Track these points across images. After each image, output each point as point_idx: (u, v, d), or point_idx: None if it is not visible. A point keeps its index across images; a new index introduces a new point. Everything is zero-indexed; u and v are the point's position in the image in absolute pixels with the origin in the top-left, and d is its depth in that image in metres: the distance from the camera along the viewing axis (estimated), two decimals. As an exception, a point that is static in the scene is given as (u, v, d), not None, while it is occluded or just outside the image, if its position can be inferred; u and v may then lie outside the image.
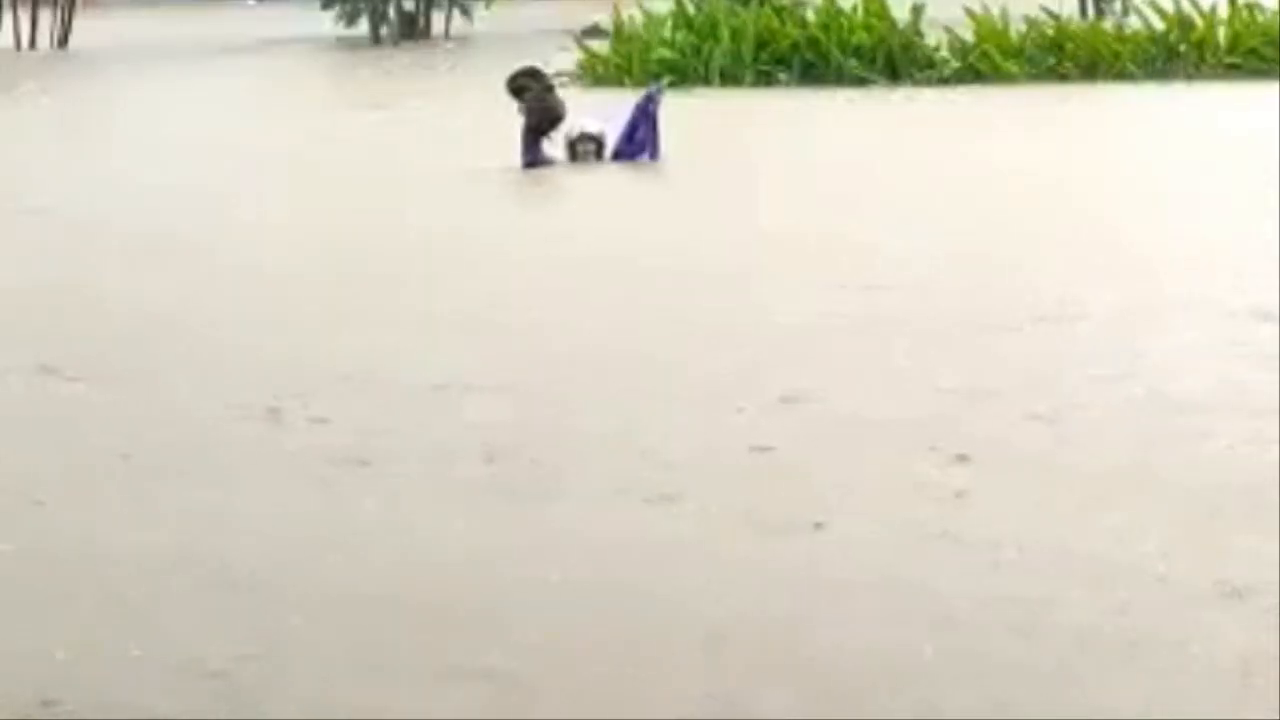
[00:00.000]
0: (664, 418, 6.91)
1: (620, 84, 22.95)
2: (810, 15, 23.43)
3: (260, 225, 12.30)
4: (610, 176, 14.46)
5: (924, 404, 7.08)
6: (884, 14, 23.13)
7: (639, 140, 14.84)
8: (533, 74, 15.21)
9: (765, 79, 22.80)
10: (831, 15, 23.20)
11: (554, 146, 14.82)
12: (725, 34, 23.05)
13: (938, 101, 20.86)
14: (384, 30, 33.25)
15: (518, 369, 7.78)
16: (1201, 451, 6.38)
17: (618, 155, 14.83)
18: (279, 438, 6.87)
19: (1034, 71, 22.55)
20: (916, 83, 22.45)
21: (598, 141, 14.81)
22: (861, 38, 22.94)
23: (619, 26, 24.08)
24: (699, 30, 23.37)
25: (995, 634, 4.76)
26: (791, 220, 11.76)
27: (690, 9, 23.75)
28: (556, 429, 6.84)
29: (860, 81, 22.45)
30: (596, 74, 23.38)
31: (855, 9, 23.27)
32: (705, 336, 8.34)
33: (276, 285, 10.10)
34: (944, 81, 22.50)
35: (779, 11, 23.43)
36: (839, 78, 22.57)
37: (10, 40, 32.38)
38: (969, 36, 22.99)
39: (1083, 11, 25.77)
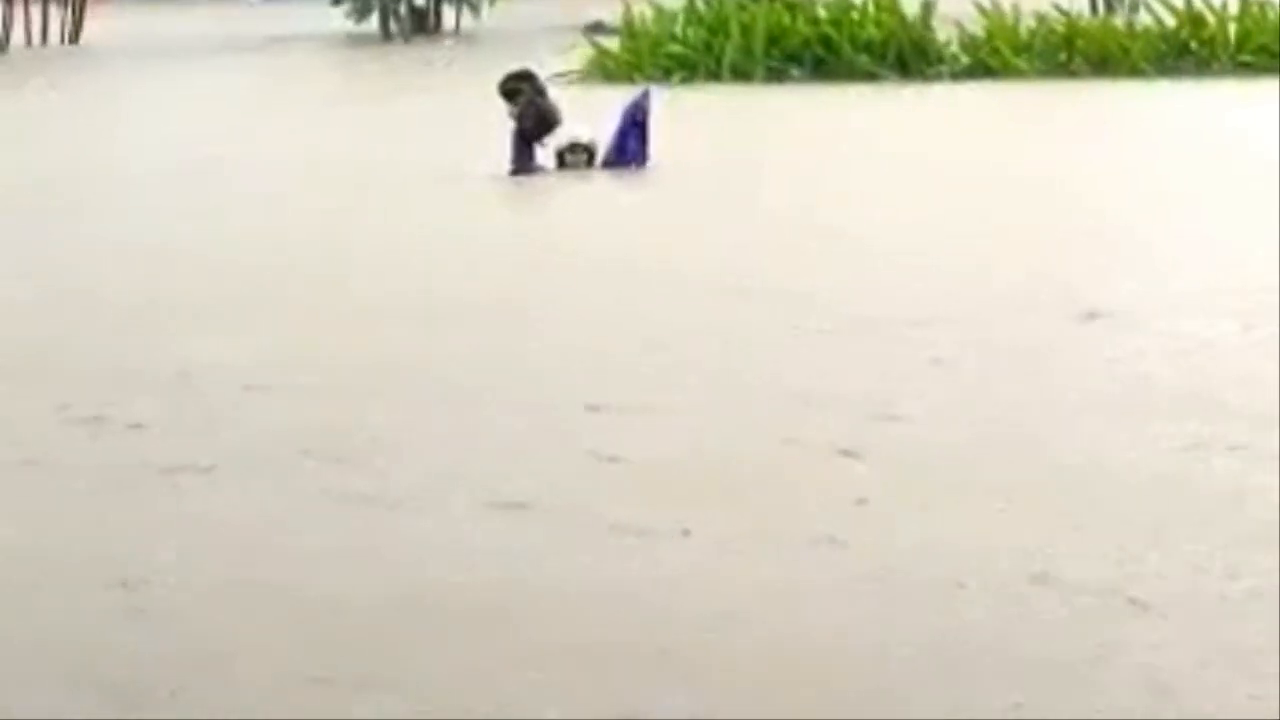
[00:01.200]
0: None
1: (630, 80, 22.88)
2: (821, 11, 23.39)
3: (216, 224, 12.21)
4: (596, 184, 13.97)
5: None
6: (894, 10, 23.12)
7: (630, 147, 14.33)
8: (525, 76, 14.64)
9: (776, 75, 22.79)
10: (842, 11, 23.18)
11: (544, 155, 14.33)
12: (736, 30, 23.05)
13: (948, 98, 20.86)
14: (394, 27, 33.27)
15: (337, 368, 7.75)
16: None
17: (607, 163, 14.31)
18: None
19: (1044, 68, 22.53)
20: (927, 78, 22.44)
21: (588, 150, 14.29)
22: (872, 33, 22.93)
23: (629, 23, 24.06)
24: (710, 26, 23.36)
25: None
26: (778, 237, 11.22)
27: (701, 5, 23.74)
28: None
29: (871, 77, 22.45)
30: (607, 70, 23.36)
31: (866, 5, 23.25)
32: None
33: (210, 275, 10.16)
34: (954, 77, 22.50)
35: (790, 7, 23.39)
36: (850, 73, 22.56)
37: (22, 36, 32.38)
38: (979, 32, 22.99)
39: (1093, 8, 25.71)
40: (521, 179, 14.05)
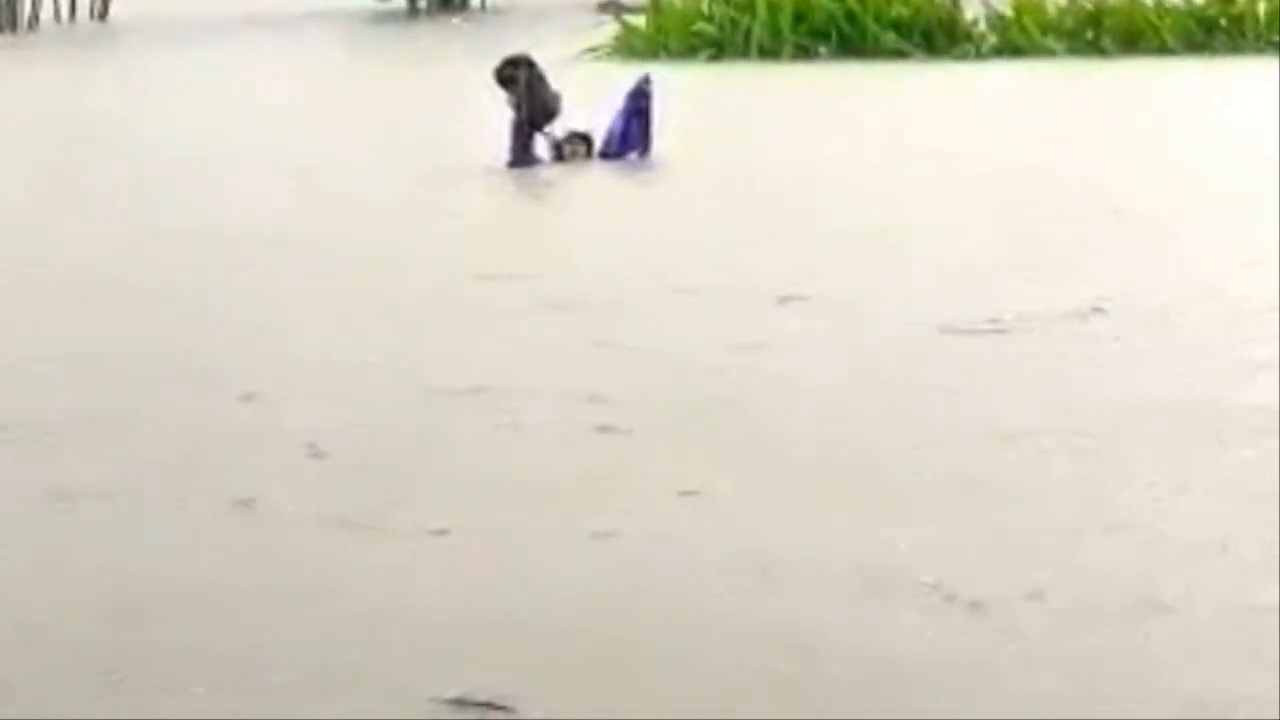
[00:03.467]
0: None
1: (656, 58, 22.87)
2: (847, -12, 23.32)
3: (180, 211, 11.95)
4: (597, 177, 13.28)
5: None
6: (922, -13, 23.05)
7: (631, 136, 13.60)
8: (522, 62, 13.78)
9: (804, 52, 22.72)
10: (869, -12, 23.11)
11: (539, 145, 13.63)
12: (763, 7, 22.98)
13: (976, 77, 20.77)
14: (422, 3, 33.28)
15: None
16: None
17: (605, 154, 13.63)
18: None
19: (1073, 46, 22.45)
20: (954, 57, 22.36)
21: (587, 141, 13.58)
22: (900, 11, 22.84)
23: (656, 1, 23.99)
24: (737, 3, 23.29)
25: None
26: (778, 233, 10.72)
27: (728, -19, 23.67)
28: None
29: (899, 55, 22.37)
30: (633, 47, 23.32)
31: (894, -18, 23.18)
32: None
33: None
34: (982, 56, 22.42)
35: (817, -15, 23.32)
36: (877, 51, 22.49)
37: (50, 12, 32.45)
38: (1007, 10, 22.91)
39: (1122, -15, 25.58)
40: (521, 173, 13.28)
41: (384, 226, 11.27)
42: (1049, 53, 22.27)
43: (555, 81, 13.96)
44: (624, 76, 14.94)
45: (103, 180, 13.77)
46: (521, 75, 13.52)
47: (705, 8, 23.43)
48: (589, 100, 14.16)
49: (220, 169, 14.07)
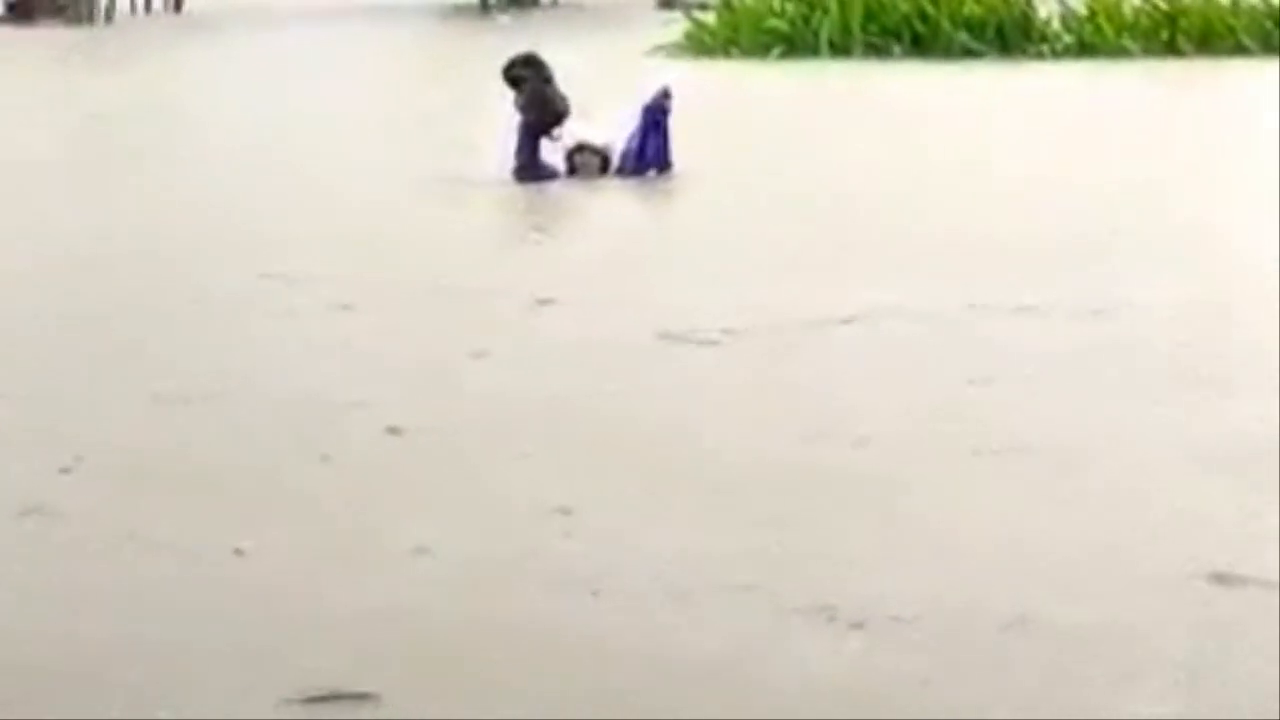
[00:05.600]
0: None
1: (727, 55, 22.82)
2: (919, -14, 23.19)
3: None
4: (611, 196, 12.28)
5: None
6: (995, -14, 22.90)
7: (649, 152, 12.63)
8: (530, 62, 12.86)
9: (875, 50, 22.59)
10: (942, -14, 22.97)
11: (553, 154, 12.61)
12: (834, 5, 22.85)
13: (1051, 78, 20.59)
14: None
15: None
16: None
17: (621, 170, 12.63)
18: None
19: (1148, 46, 22.26)
20: (1028, 56, 22.20)
21: (601, 155, 12.58)
22: (972, 10, 22.69)
23: (727, -3, 23.91)
24: (809, 0, 23.18)
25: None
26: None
27: (799, -22, 23.56)
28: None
29: (971, 54, 22.23)
30: (703, 44, 23.24)
31: (966, -20, 23.03)
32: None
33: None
34: (1056, 56, 22.25)
35: (887, -18, 23.20)
36: (949, 50, 22.35)
37: (126, 4, 32.68)
38: (1082, 10, 22.73)
39: (1198, -16, 25.38)
40: (528, 188, 12.31)
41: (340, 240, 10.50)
42: (1124, 52, 22.08)
43: (628, 78, 13.49)
44: (697, 73, 14.55)
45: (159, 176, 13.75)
46: (529, 75, 12.69)
47: (777, 5, 23.31)
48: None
49: (218, 170, 13.81)
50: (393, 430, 6.35)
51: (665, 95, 12.85)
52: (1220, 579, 4.89)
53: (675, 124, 12.91)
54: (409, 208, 11.66)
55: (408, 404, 6.74)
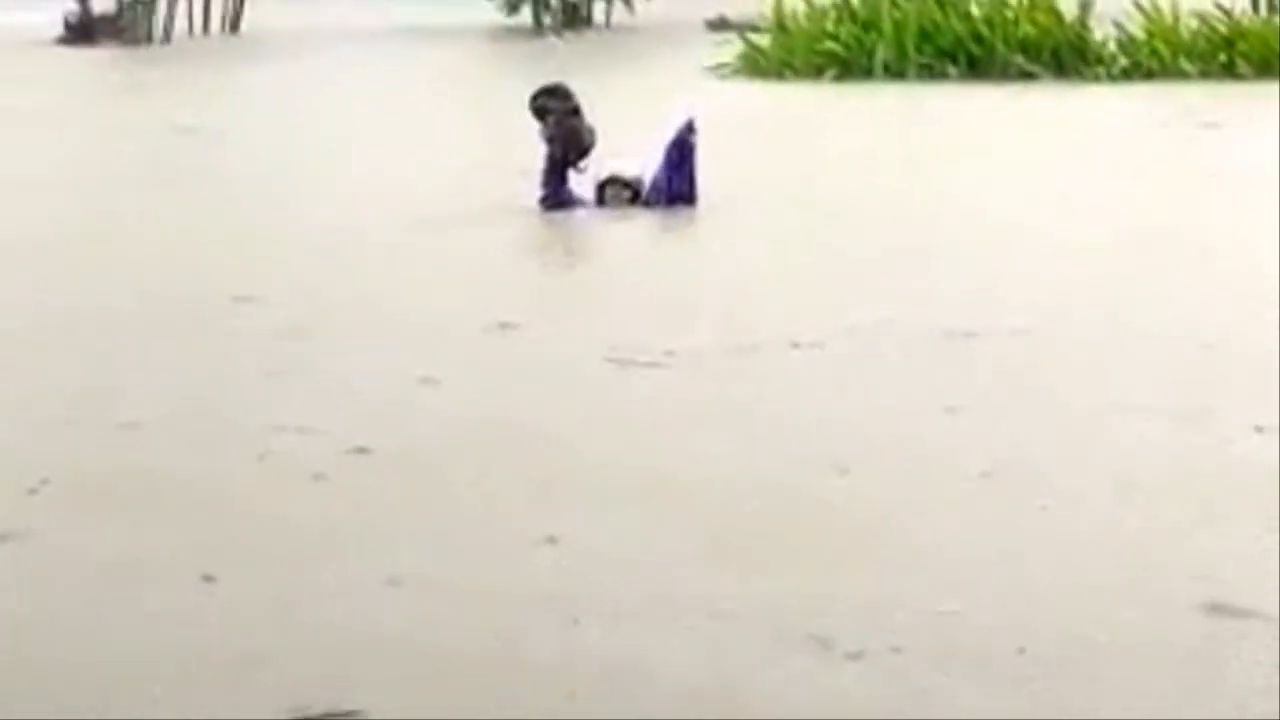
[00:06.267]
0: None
1: (781, 77, 22.73)
2: (974, 8, 23.03)
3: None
4: (639, 228, 12.05)
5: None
6: (1051, 8, 22.74)
7: (675, 186, 12.38)
8: (555, 92, 12.62)
9: (930, 73, 22.47)
10: (996, 8, 22.79)
11: (583, 186, 12.44)
12: (889, 26, 22.75)
13: (1108, 100, 20.41)
14: (546, 19, 33.29)
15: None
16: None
17: (649, 202, 12.41)
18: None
19: (1205, 69, 22.07)
20: (1084, 79, 22.04)
21: (632, 188, 12.42)
22: (1028, 31, 22.56)
23: (780, 18, 23.82)
24: (863, 22, 23.08)
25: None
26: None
27: (854, 0, 23.46)
28: None
29: (1027, 76, 22.09)
30: (758, 66, 23.16)
31: (1021, 2, 22.89)
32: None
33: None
34: (1112, 78, 22.08)
35: (942, 4, 23.04)
36: (1005, 72, 22.21)
37: (184, 25, 32.78)
38: (1138, 32, 22.55)
39: (1254, 6, 25.13)
40: (552, 217, 12.17)
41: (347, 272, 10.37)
42: (1182, 75, 21.89)
43: (683, 100, 13.08)
44: (752, 95, 14.48)
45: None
46: (555, 106, 12.45)
47: (831, 26, 23.22)
48: (718, 117, 13.55)
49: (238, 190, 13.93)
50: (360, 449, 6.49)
51: (690, 129, 12.46)
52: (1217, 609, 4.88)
53: (726, 148, 12.83)
54: (403, 237, 11.53)
55: (368, 427, 6.83)
